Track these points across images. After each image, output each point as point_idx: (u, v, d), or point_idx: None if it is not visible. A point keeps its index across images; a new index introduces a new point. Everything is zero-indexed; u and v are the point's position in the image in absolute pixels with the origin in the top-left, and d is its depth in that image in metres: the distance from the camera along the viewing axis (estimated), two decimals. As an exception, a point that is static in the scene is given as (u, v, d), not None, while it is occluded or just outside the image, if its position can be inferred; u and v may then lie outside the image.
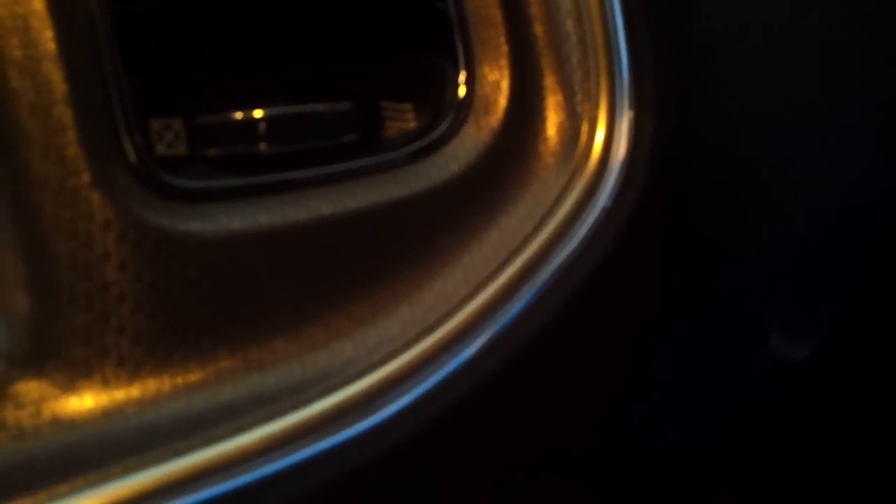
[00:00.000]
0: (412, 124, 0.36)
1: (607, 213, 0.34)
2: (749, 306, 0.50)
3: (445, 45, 0.36)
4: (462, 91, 0.35)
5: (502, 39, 0.36)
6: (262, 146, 0.32)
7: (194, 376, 0.27)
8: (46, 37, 0.27)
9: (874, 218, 0.60)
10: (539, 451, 0.34)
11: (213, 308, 0.28)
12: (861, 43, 0.51)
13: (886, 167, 0.53)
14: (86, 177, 0.27)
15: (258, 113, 0.32)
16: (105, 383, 0.26)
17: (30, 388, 0.26)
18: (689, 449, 0.56)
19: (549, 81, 0.36)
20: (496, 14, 0.36)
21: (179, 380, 0.27)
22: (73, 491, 0.24)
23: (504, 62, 0.36)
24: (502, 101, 0.36)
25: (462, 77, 0.35)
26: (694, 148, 0.38)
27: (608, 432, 0.39)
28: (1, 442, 0.25)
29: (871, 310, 0.72)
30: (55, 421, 0.25)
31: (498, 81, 0.36)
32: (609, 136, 0.35)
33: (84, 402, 0.26)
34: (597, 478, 0.43)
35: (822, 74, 0.48)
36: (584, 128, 0.35)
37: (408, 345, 0.29)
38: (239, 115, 0.32)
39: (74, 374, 0.26)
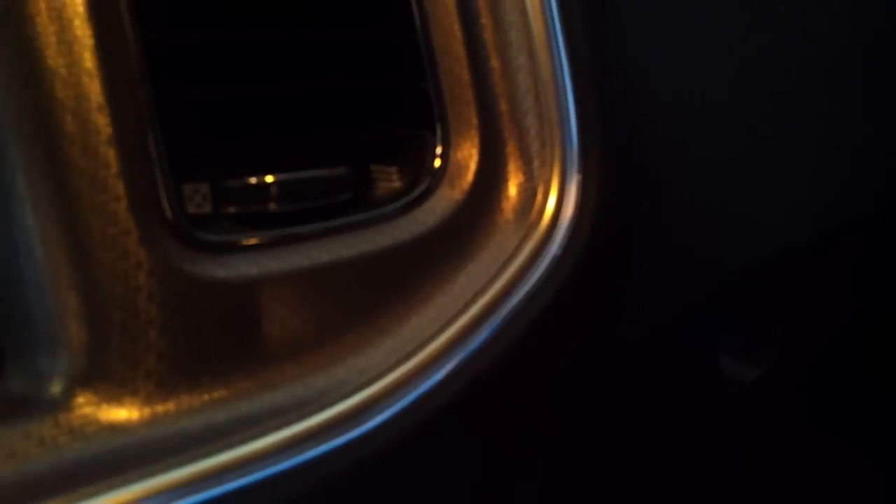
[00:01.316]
0: (397, 184, 0.43)
1: (557, 261, 0.41)
2: (694, 334, 0.56)
3: (426, 118, 0.43)
4: (438, 162, 0.42)
5: (473, 115, 0.43)
6: (273, 205, 0.39)
7: (218, 394, 0.34)
8: (104, 123, 0.34)
9: (811, 254, 0.67)
10: (498, 462, 0.41)
11: (233, 338, 0.35)
12: (798, 95, 0.58)
13: (819, 208, 0.60)
14: (134, 235, 0.34)
15: (270, 178, 0.39)
16: (146, 398, 0.33)
17: (87, 401, 0.32)
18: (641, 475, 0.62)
19: (511, 149, 0.43)
20: (468, 93, 0.43)
21: (206, 396, 0.33)
22: (120, 484, 0.31)
23: (474, 133, 0.43)
24: (472, 165, 0.43)
25: (439, 149, 0.42)
26: (635, 204, 0.46)
27: (561, 448, 0.46)
28: (65, 443, 0.31)
29: (814, 334, 0.79)
30: (107, 427, 0.32)
31: (469, 150, 0.43)
32: (561, 196, 0.42)
33: (129, 413, 0.32)
34: (548, 495, 0.50)
35: (758, 128, 0.55)
36: (540, 189, 0.43)
37: (389, 369, 0.36)
38: (255, 179, 0.39)
39: (122, 391, 0.33)
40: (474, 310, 0.39)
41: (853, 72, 0.63)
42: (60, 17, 0.34)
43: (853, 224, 0.69)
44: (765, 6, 0.55)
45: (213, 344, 0.35)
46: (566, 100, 0.43)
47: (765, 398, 0.79)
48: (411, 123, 0.43)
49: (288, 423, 0.33)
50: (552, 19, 0.43)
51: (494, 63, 0.44)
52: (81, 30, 0.35)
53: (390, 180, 0.43)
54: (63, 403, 0.32)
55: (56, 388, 0.32)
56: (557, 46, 0.43)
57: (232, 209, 0.38)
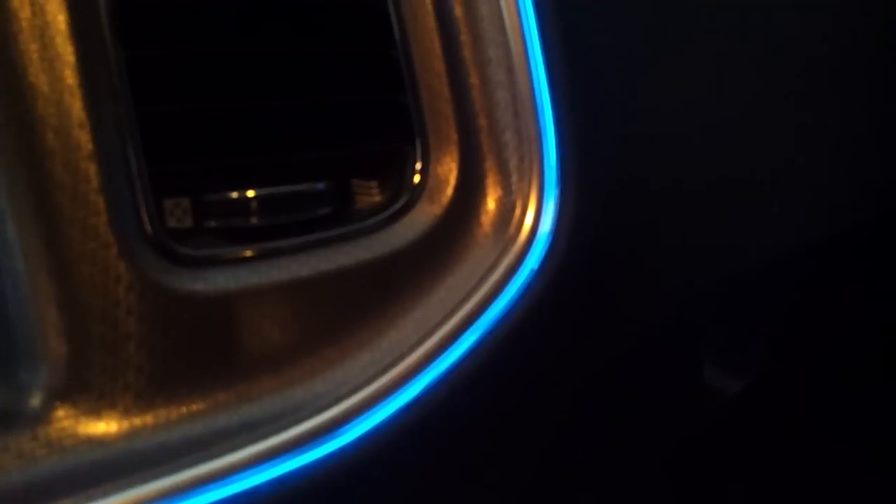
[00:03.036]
0: (377, 199, 0.43)
1: (535, 275, 0.42)
2: (672, 346, 0.57)
3: (406, 133, 0.44)
4: (417, 177, 0.42)
5: (452, 130, 0.44)
6: (254, 220, 0.39)
7: (196, 406, 0.34)
8: (85, 139, 0.34)
9: (787, 272, 0.68)
10: (476, 472, 0.41)
11: (212, 352, 0.36)
12: (772, 119, 0.59)
13: (790, 229, 0.61)
14: (114, 249, 0.34)
15: (251, 193, 0.39)
16: (124, 411, 0.33)
17: (66, 414, 0.33)
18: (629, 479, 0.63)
19: (490, 164, 0.44)
20: (448, 109, 0.44)
21: (184, 409, 0.34)
22: (98, 496, 0.31)
23: (454, 148, 0.44)
24: (452, 180, 0.43)
25: (418, 165, 0.42)
26: (612, 218, 0.46)
27: (543, 460, 0.46)
28: (43, 455, 0.32)
29: (795, 347, 0.79)
30: (85, 440, 0.32)
31: (448, 165, 0.43)
32: (538, 210, 0.43)
33: (107, 426, 0.33)
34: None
35: (737, 142, 0.56)
36: (518, 203, 0.43)
37: (367, 382, 0.36)
38: (235, 194, 0.39)
39: (100, 404, 0.33)
40: (453, 322, 0.40)
41: (843, 74, 0.64)
42: (42, 36, 0.35)
43: (842, 233, 0.70)
44: (741, 17, 0.56)
45: (191, 357, 0.35)
46: (544, 116, 0.44)
47: (755, 408, 0.80)
48: (391, 139, 0.44)
49: (265, 436, 0.33)
50: (530, 36, 0.44)
51: (474, 79, 0.44)
52: (63, 47, 0.35)
53: (370, 195, 0.43)
54: (42, 416, 0.32)
55: (35, 401, 0.33)
56: (535, 63, 0.43)
57: (213, 223, 0.38)
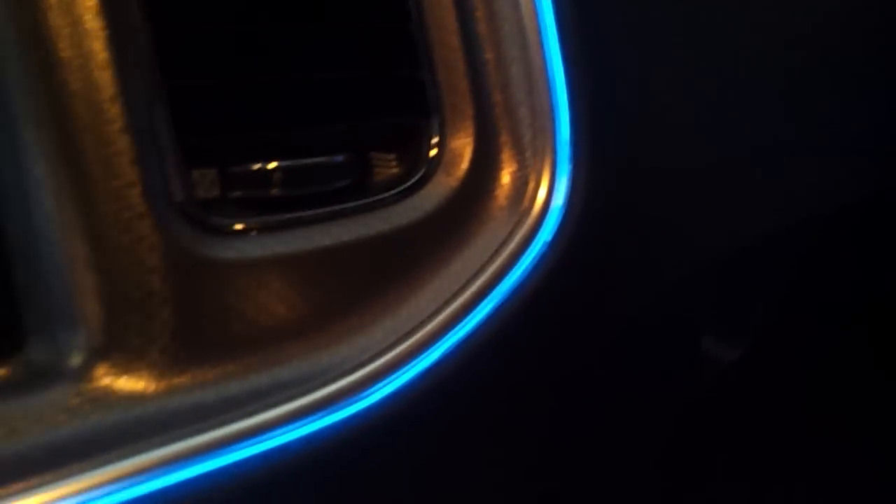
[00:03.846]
0: (395, 171, 0.45)
1: (548, 246, 0.43)
2: (676, 315, 0.59)
3: (423, 108, 0.45)
4: (434, 150, 0.44)
5: (468, 105, 0.45)
6: (277, 190, 0.41)
7: (228, 368, 0.35)
8: (117, 113, 0.36)
9: (790, 243, 0.70)
10: (492, 432, 0.43)
11: (241, 316, 0.37)
12: (784, 91, 0.61)
13: (796, 204, 0.63)
14: (147, 218, 0.36)
15: (273, 164, 0.41)
16: (161, 371, 0.35)
17: (105, 373, 0.34)
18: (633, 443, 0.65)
19: (505, 139, 0.45)
20: (463, 84, 0.45)
21: (217, 370, 0.35)
22: (141, 450, 0.33)
23: (469, 123, 0.45)
24: (467, 154, 0.45)
25: (435, 139, 0.44)
26: (622, 192, 0.48)
27: (554, 421, 0.48)
28: (86, 411, 0.33)
29: (791, 318, 0.82)
30: (125, 397, 0.34)
31: (464, 139, 0.45)
32: (551, 184, 0.44)
33: (146, 384, 0.34)
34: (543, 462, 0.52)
35: (731, 128, 0.57)
36: (532, 177, 0.44)
37: (389, 348, 0.38)
38: (258, 166, 0.40)
39: (138, 364, 0.35)
40: (469, 292, 0.41)
41: (839, 67, 0.66)
42: (72, 10, 0.36)
43: (840, 215, 0.72)
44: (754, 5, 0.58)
45: (221, 321, 0.36)
46: (557, 92, 0.45)
47: (752, 384, 0.82)
48: (409, 113, 0.45)
49: (295, 397, 0.35)
50: (544, 12, 0.45)
51: (489, 55, 0.45)
52: (93, 22, 0.36)
53: (389, 167, 0.45)
54: (83, 374, 0.34)
55: (76, 360, 0.34)
56: (549, 39, 0.45)
57: (238, 194, 0.40)
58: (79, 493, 0.32)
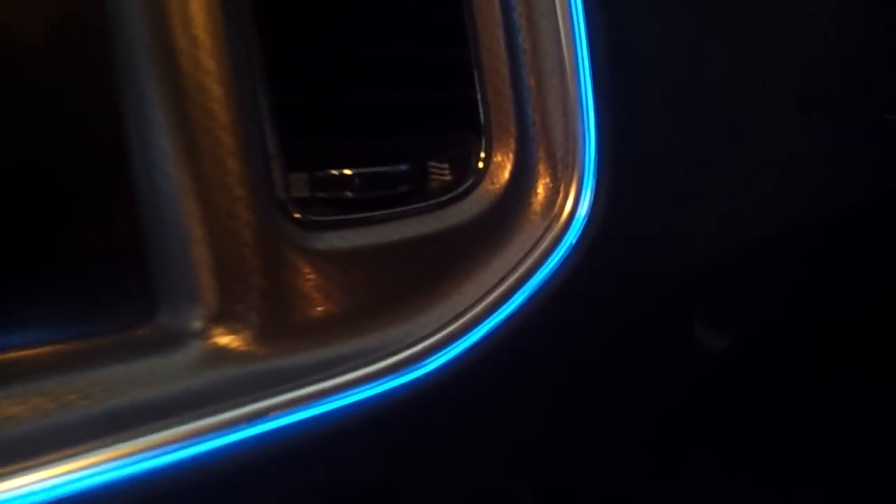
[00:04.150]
0: (448, 179, 0.53)
1: (573, 248, 0.52)
2: (678, 305, 0.68)
3: (474, 125, 0.53)
4: (481, 164, 0.52)
5: (511, 125, 0.53)
6: (352, 193, 0.49)
7: (319, 337, 0.44)
8: (229, 120, 0.44)
9: (785, 242, 0.78)
10: (527, 393, 0.52)
11: (326, 294, 0.46)
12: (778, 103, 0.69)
13: (795, 201, 0.72)
14: (254, 211, 0.44)
15: (349, 171, 0.49)
16: (266, 337, 0.43)
17: (220, 335, 0.43)
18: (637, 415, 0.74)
19: (541, 155, 0.53)
20: (509, 107, 0.53)
21: (310, 338, 0.44)
22: (259, 399, 0.41)
23: (511, 140, 0.53)
24: (509, 166, 0.53)
25: (482, 153, 0.52)
26: (637, 205, 0.56)
27: (578, 386, 0.57)
28: (207, 367, 0.42)
29: (783, 310, 0.91)
30: (238, 356, 0.43)
31: (506, 154, 0.53)
32: (577, 196, 0.53)
33: (255, 347, 0.43)
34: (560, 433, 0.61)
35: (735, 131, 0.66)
36: (562, 189, 0.53)
37: (443, 326, 0.47)
38: (337, 172, 0.49)
39: (246, 330, 0.43)
40: (507, 284, 0.50)
41: (843, 65, 0.74)
42: (190, 31, 0.44)
43: (844, 211, 0.80)
44: (751, 25, 0.66)
45: (311, 299, 0.45)
46: (587, 118, 0.53)
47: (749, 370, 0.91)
48: (461, 129, 0.53)
49: (372, 362, 0.44)
50: (581, 50, 0.53)
51: (531, 82, 0.54)
52: (209, 45, 0.44)
53: (443, 175, 0.53)
54: (203, 336, 0.43)
55: (197, 324, 0.43)
56: (584, 73, 0.53)
57: (322, 195, 0.48)
58: (201, 433, 0.40)
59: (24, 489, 0.36)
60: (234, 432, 0.40)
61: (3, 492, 0.37)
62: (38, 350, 0.42)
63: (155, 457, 0.39)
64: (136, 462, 0.39)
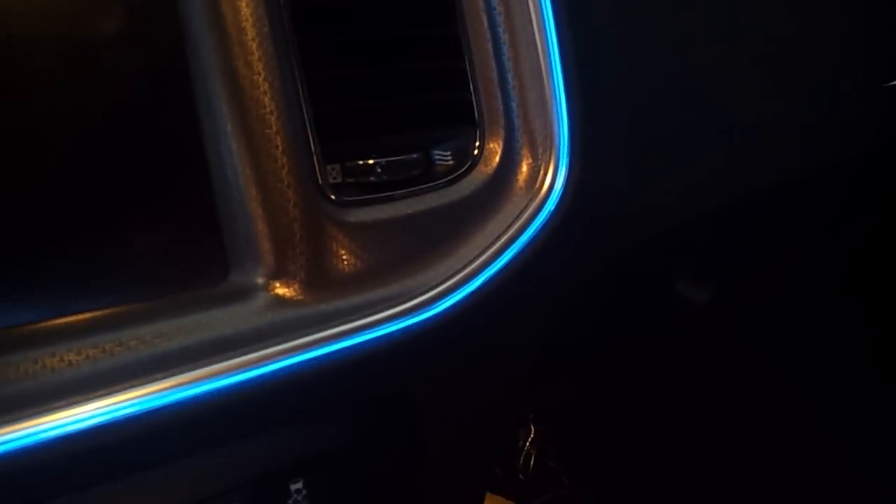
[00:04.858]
0: (450, 164, 0.66)
1: (551, 214, 0.65)
2: (649, 262, 0.81)
3: (470, 120, 0.66)
4: (476, 151, 0.65)
5: (500, 119, 0.66)
6: (375, 178, 0.63)
7: (352, 288, 0.58)
8: (278, 124, 0.57)
9: (760, 204, 0.90)
10: (516, 334, 0.66)
11: (357, 255, 0.60)
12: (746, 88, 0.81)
13: (764, 165, 0.84)
14: (300, 194, 0.58)
15: (372, 161, 0.63)
16: (313, 289, 0.57)
17: (277, 287, 0.57)
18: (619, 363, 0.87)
19: (524, 142, 0.67)
20: (498, 104, 0.67)
21: (346, 289, 0.58)
22: (311, 332, 0.55)
23: (500, 131, 0.66)
24: (499, 151, 0.66)
25: (477, 143, 0.66)
26: (603, 178, 0.69)
27: (558, 331, 0.71)
28: (269, 310, 0.56)
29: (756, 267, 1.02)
30: (293, 302, 0.57)
31: (496, 142, 0.66)
32: (555, 174, 0.66)
33: (304, 295, 0.57)
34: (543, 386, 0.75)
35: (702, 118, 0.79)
36: (542, 168, 0.66)
37: (450, 277, 0.61)
38: (363, 162, 0.62)
39: (297, 283, 0.57)
40: (499, 243, 0.63)
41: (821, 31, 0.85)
42: (244, 46, 0.58)
43: (819, 170, 0.91)
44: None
45: (346, 259, 0.59)
46: (561, 110, 0.66)
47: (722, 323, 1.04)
48: (461, 124, 0.67)
49: (396, 304, 0.58)
50: (554, 58, 0.66)
51: (515, 84, 0.67)
52: (267, 81, 0.58)
53: (447, 161, 0.67)
54: (265, 288, 0.57)
55: (260, 280, 0.57)
56: (557, 77, 0.66)
57: (351, 180, 0.62)
58: (266, 359, 0.54)
59: (134, 399, 0.50)
60: (291, 357, 0.54)
61: (120, 400, 0.51)
62: (135, 307, 0.56)
63: (233, 376, 0.53)
64: (219, 380, 0.53)
